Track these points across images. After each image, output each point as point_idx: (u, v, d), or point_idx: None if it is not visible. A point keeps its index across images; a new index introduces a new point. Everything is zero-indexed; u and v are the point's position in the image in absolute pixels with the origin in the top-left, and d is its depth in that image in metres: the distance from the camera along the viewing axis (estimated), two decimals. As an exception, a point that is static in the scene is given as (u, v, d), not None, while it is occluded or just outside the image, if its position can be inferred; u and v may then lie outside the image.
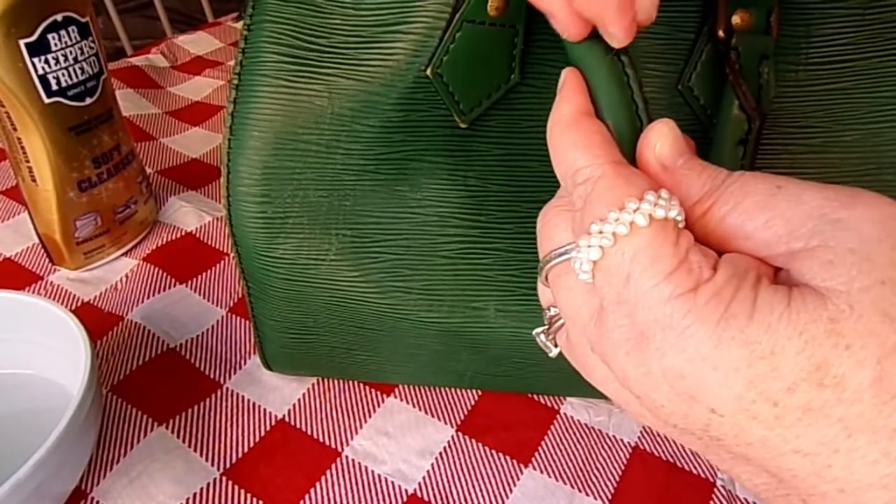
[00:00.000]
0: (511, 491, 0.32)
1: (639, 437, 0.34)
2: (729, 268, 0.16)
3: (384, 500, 0.32)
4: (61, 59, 0.39)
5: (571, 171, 0.19)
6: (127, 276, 0.45)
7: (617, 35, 0.20)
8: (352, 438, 0.34)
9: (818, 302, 0.15)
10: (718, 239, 0.18)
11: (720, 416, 0.16)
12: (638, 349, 0.17)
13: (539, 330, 0.23)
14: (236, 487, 0.32)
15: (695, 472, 0.33)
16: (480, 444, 0.34)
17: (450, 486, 0.32)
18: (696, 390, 0.16)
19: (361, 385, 0.37)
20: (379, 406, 0.36)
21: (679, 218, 0.17)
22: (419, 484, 0.32)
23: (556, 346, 0.22)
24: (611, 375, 0.19)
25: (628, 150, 0.20)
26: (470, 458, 0.33)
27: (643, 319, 0.16)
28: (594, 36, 0.21)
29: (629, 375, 0.17)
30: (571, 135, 0.20)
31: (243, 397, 0.37)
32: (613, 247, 0.17)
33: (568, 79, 0.21)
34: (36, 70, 0.38)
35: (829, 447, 0.15)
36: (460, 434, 0.34)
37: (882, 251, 0.15)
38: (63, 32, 0.39)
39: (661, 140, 0.19)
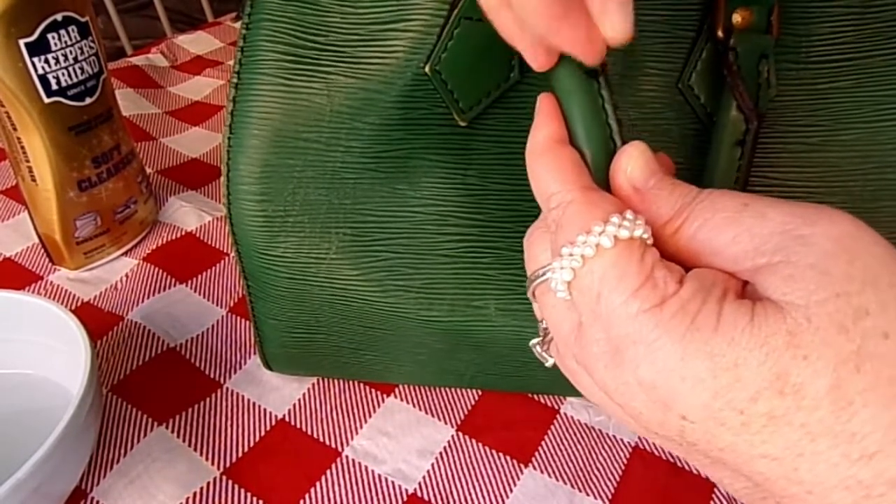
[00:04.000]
0: (511, 491, 0.32)
1: (639, 437, 0.34)
2: (695, 282, 0.17)
3: (384, 500, 0.32)
4: (61, 58, 0.39)
5: (545, 197, 0.20)
6: (127, 276, 0.45)
7: (585, 61, 0.20)
8: (352, 438, 0.34)
9: (778, 316, 0.16)
10: (689, 255, 0.18)
11: (692, 423, 0.16)
12: (614, 362, 0.18)
13: (535, 341, 0.23)
14: (236, 487, 0.32)
15: (695, 472, 0.33)
16: (480, 444, 0.34)
17: (450, 486, 0.32)
18: (668, 399, 0.17)
19: (361, 385, 0.37)
20: (379, 406, 0.36)
21: (645, 236, 0.18)
22: (419, 484, 0.32)
23: (550, 356, 0.23)
24: (595, 385, 0.19)
25: (603, 173, 0.20)
26: (470, 458, 0.33)
27: (616, 334, 0.17)
28: (567, 59, 0.21)
29: (609, 386, 0.18)
30: (544, 162, 0.21)
31: (243, 397, 0.37)
32: (583, 268, 0.18)
33: (542, 105, 0.22)
34: (36, 70, 0.38)
35: (793, 451, 0.15)
36: (460, 434, 0.34)
37: (839, 266, 0.16)
38: (63, 32, 0.39)
39: (632, 163, 0.20)
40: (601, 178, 0.20)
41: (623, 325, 0.17)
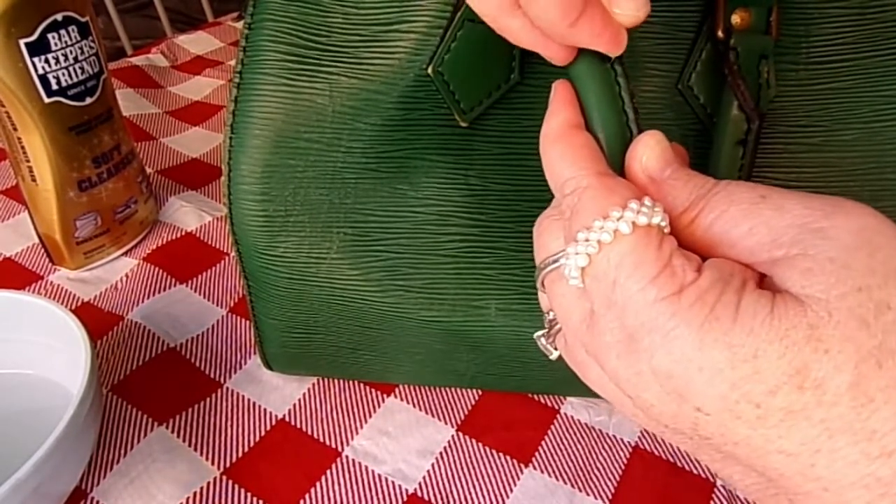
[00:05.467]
0: (511, 491, 0.32)
1: (639, 437, 0.34)
2: (714, 272, 0.17)
3: (384, 500, 0.32)
4: (61, 58, 0.39)
5: (560, 183, 0.20)
6: (127, 276, 0.45)
7: (608, 52, 0.20)
8: (352, 438, 0.34)
9: (798, 309, 0.15)
10: (705, 247, 0.18)
11: (706, 415, 0.16)
12: (628, 351, 0.17)
13: (539, 333, 0.23)
14: (236, 487, 0.32)
15: (695, 472, 0.33)
16: (480, 444, 0.34)
17: (450, 486, 0.32)
18: (683, 389, 0.16)
19: (361, 385, 0.37)
20: (379, 406, 0.36)
21: (663, 224, 0.18)
22: (419, 484, 0.32)
23: (555, 349, 0.23)
24: (605, 376, 0.19)
25: (618, 161, 0.20)
26: (470, 458, 0.33)
27: (631, 323, 0.17)
28: (584, 49, 0.21)
29: (621, 376, 0.18)
30: (559, 147, 0.20)
31: (243, 397, 0.37)
32: (599, 254, 0.18)
33: (558, 91, 0.22)
34: (36, 70, 0.38)
35: (810, 448, 0.15)
36: (460, 434, 0.34)
37: (859, 259, 0.16)
38: (63, 32, 0.39)
39: (648, 152, 0.19)
40: (616, 166, 0.20)
41: (639, 313, 0.17)
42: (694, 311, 0.16)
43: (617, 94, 0.21)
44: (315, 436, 0.35)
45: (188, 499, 0.31)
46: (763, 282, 0.17)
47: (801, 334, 0.15)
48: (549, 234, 0.21)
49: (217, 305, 0.43)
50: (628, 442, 0.34)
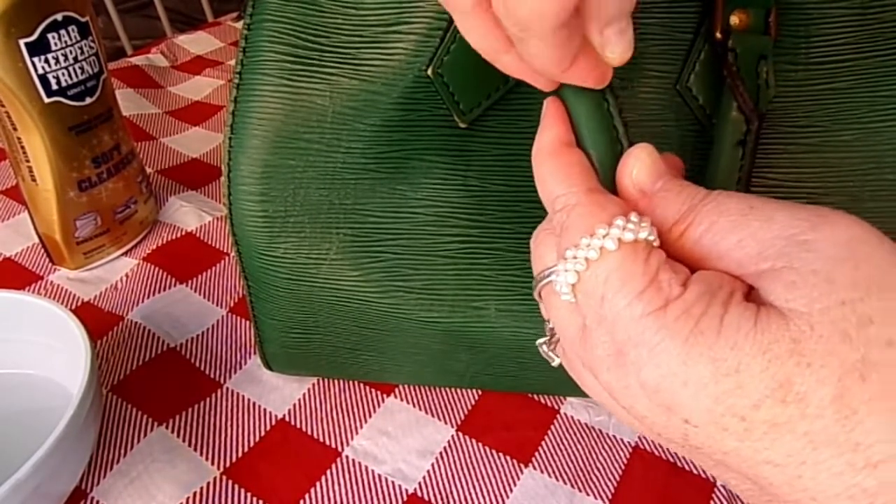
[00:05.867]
0: (511, 491, 0.32)
1: (639, 437, 0.34)
2: (700, 285, 0.17)
3: (384, 500, 0.32)
4: (61, 58, 0.39)
5: (551, 199, 0.20)
6: (127, 276, 0.45)
7: (596, 87, 0.21)
8: (352, 438, 0.34)
9: (781, 322, 0.15)
10: (695, 258, 0.18)
11: (694, 427, 0.16)
12: (617, 364, 0.17)
13: (541, 340, 0.23)
14: (236, 487, 0.32)
15: (695, 472, 0.33)
16: (480, 444, 0.34)
17: (450, 486, 0.32)
18: (670, 402, 0.16)
19: (361, 385, 0.37)
20: (379, 406, 0.36)
21: (651, 238, 0.18)
22: (419, 484, 0.32)
23: (557, 356, 0.23)
24: (600, 387, 0.19)
25: (609, 176, 0.20)
26: (470, 458, 0.33)
27: (620, 337, 0.17)
28: None
29: (613, 388, 0.18)
30: (550, 164, 0.21)
31: (243, 397, 0.37)
32: (587, 271, 0.18)
33: (549, 108, 0.22)
34: (36, 70, 0.38)
35: (796, 459, 0.15)
36: (460, 434, 0.34)
37: (844, 272, 0.16)
38: (63, 32, 0.39)
39: (638, 165, 0.20)
40: (608, 181, 0.20)
41: (627, 328, 0.17)
42: (679, 325, 0.16)
43: (606, 110, 0.21)
44: (315, 436, 0.35)
45: (188, 499, 0.32)
46: (751, 294, 0.17)
47: (783, 348, 0.15)
48: (545, 247, 0.21)
49: (217, 305, 0.43)
50: (628, 442, 0.34)
